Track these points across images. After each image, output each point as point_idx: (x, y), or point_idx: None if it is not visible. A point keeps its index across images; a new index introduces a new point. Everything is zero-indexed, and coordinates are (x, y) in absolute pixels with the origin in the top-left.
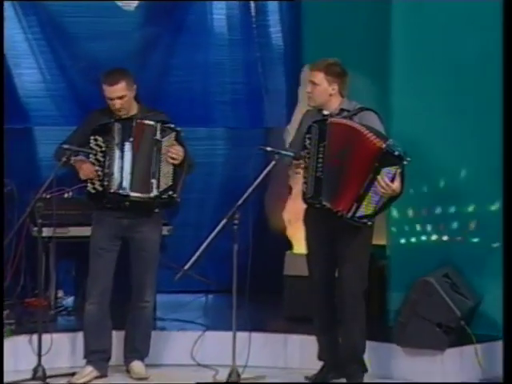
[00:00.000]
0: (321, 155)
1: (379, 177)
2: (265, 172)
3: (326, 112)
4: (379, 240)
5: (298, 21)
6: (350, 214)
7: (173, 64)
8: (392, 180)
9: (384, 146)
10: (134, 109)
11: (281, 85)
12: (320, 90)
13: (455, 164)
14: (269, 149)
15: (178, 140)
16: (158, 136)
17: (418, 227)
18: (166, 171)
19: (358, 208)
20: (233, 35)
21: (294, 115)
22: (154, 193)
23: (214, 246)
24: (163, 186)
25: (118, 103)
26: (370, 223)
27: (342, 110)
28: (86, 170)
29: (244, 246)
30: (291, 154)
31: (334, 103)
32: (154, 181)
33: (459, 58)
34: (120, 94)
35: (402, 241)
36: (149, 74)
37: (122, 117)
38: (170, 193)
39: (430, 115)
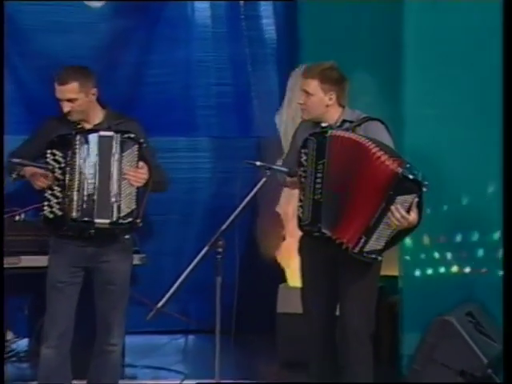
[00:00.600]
0: (319, 175)
1: (393, 207)
2: (253, 191)
3: (324, 124)
4: (390, 270)
5: (295, 13)
6: (356, 249)
7: (148, 62)
8: (408, 210)
9: (400, 170)
10: (98, 116)
11: (274, 86)
12: (315, 101)
13: (478, 181)
14: (258, 163)
15: (141, 153)
16: (117, 149)
17: (436, 256)
18: (129, 192)
19: (366, 242)
20: (218, 28)
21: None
22: (114, 218)
23: (195, 278)
24: (125, 210)
25: (66, 106)
26: (380, 258)
27: (344, 121)
28: (41, 179)
29: (230, 279)
30: (285, 169)
31: (333, 115)
32: (114, 204)
33: (480, 62)
34: (70, 97)
35: (417, 272)
36: (119, 75)
37: (84, 126)
38: (132, 219)
39: (447, 126)
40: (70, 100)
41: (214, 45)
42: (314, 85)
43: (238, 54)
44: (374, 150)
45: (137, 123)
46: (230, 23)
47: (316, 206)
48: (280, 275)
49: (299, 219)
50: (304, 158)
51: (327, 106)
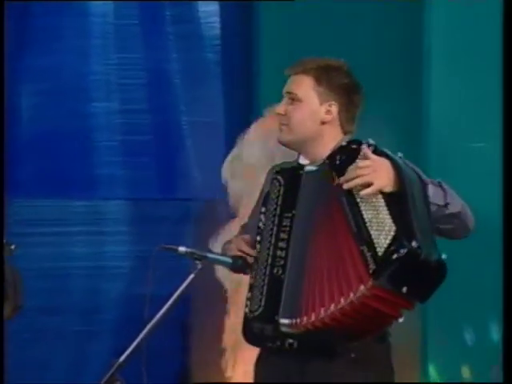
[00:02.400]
0: (284, 235)
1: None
2: (176, 295)
3: (302, 161)
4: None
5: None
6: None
7: (14, 75)
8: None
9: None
10: None
11: (219, 114)
12: (304, 111)
13: None
14: (183, 249)
15: None
16: None
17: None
18: None
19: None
20: (125, 19)
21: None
22: None
23: None
24: None
25: None
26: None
27: (332, 156)
28: None
29: None
30: (228, 260)
31: (327, 142)
32: None
33: None
34: None
35: None
36: None
37: None
38: None
39: (479, 154)
40: None
41: (120, 47)
42: (306, 84)
43: (160, 62)
44: None
45: None
46: (147, 12)
47: (274, 284)
48: None
49: (245, 313)
50: (263, 220)
51: (323, 123)
